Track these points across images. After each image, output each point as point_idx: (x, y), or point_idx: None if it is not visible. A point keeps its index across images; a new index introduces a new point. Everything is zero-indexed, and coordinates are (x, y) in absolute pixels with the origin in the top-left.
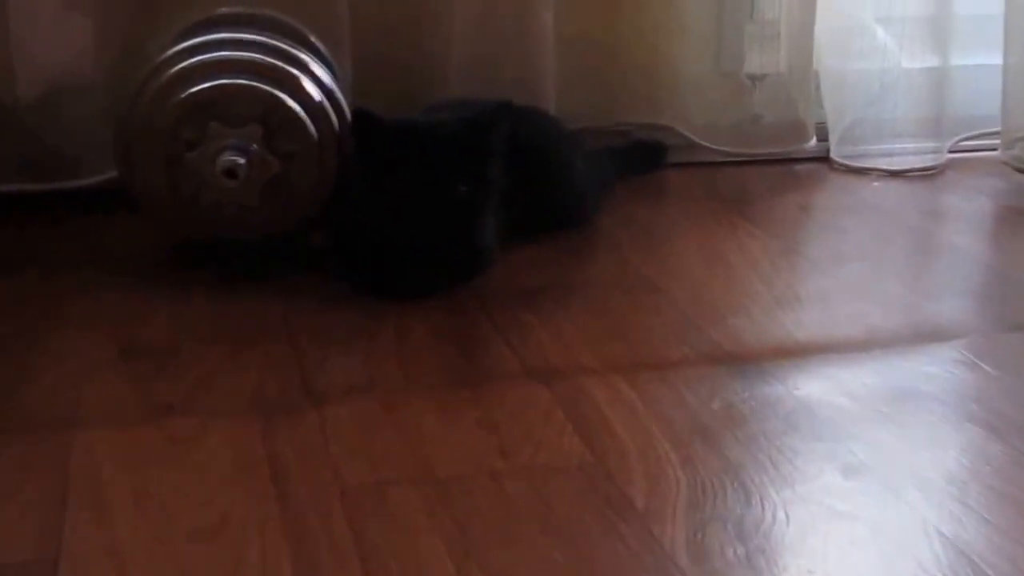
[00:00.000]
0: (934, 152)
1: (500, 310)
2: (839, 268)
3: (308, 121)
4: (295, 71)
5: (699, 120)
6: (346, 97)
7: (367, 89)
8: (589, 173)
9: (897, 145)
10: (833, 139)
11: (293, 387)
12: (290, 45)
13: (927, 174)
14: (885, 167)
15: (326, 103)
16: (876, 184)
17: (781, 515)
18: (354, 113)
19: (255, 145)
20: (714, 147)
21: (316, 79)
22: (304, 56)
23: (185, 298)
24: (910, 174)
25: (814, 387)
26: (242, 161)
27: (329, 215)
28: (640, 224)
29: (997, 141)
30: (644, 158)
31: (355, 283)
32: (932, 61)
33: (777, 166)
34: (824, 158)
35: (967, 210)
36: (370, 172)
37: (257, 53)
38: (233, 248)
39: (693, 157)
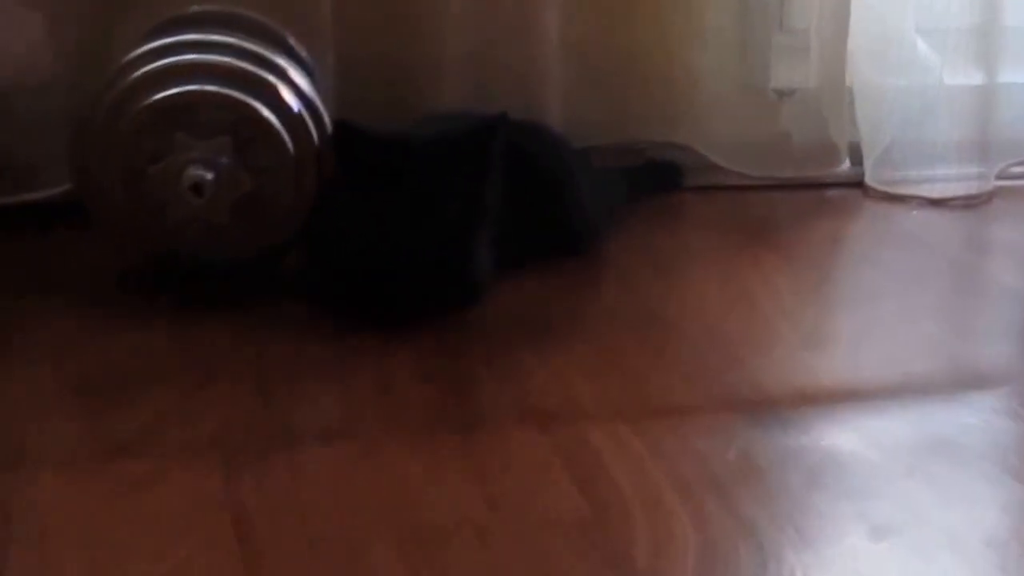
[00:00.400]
0: (979, 178)
1: (493, 346)
2: (872, 306)
3: (285, 133)
4: (271, 77)
5: (720, 139)
6: (327, 107)
7: (351, 99)
8: (596, 195)
9: (939, 170)
10: (868, 162)
11: (261, 428)
12: (267, 49)
13: (971, 203)
14: (925, 194)
15: (305, 113)
16: (915, 213)
17: None
18: (336, 124)
19: (225, 159)
20: (736, 169)
21: (294, 87)
22: (282, 61)
23: (144, 326)
24: (953, 202)
25: (841, 438)
26: (210, 176)
27: (306, 237)
28: (652, 253)
29: None
30: (658, 180)
31: (332, 311)
32: (978, 78)
33: (806, 191)
34: (858, 183)
35: (1015, 243)
36: (352, 190)
37: (230, 57)
38: (199, 272)
39: (713, 180)
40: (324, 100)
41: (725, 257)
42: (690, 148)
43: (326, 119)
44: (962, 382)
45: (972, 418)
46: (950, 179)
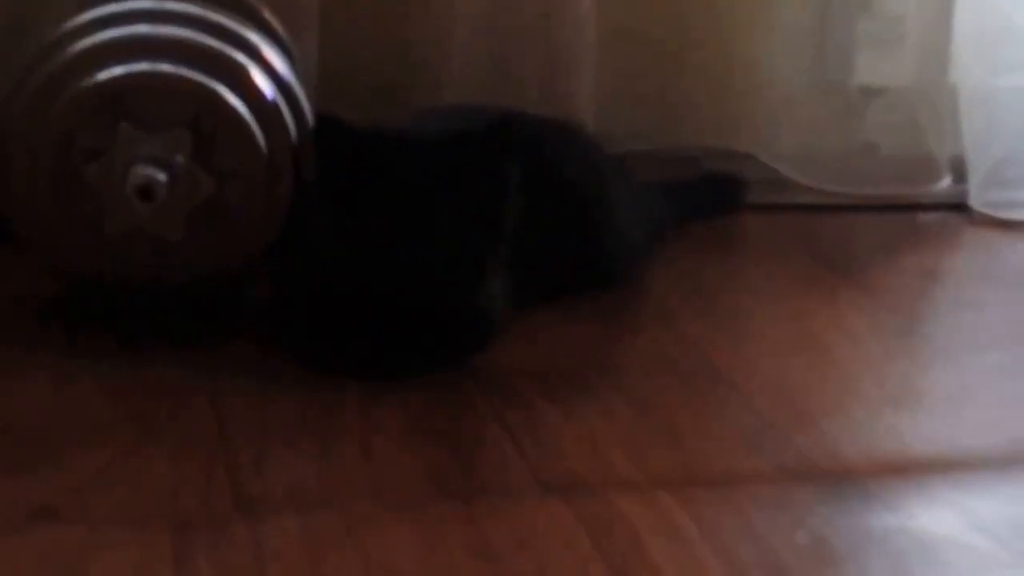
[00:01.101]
0: None
1: (507, 397)
2: (974, 357)
3: (255, 127)
4: (241, 58)
5: (790, 147)
6: (308, 97)
7: (337, 87)
8: (636, 214)
9: None
10: (974, 180)
11: (218, 492)
12: (236, 22)
13: None
14: None
15: (281, 103)
16: None
17: None
18: (318, 120)
19: (180, 157)
20: (809, 184)
21: (269, 70)
22: (254, 38)
23: (77, 364)
24: None
25: (935, 517)
26: (162, 178)
27: (277, 258)
28: (703, 287)
29: None
30: (715, 197)
31: (307, 354)
32: None
33: (895, 214)
34: (961, 205)
35: None
36: (336, 202)
37: (190, 30)
38: (144, 301)
39: (780, 197)
40: (305, 88)
41: (793, 293)
42: (752, 158)
43: (307, 111)
44: None
45: None
46: None
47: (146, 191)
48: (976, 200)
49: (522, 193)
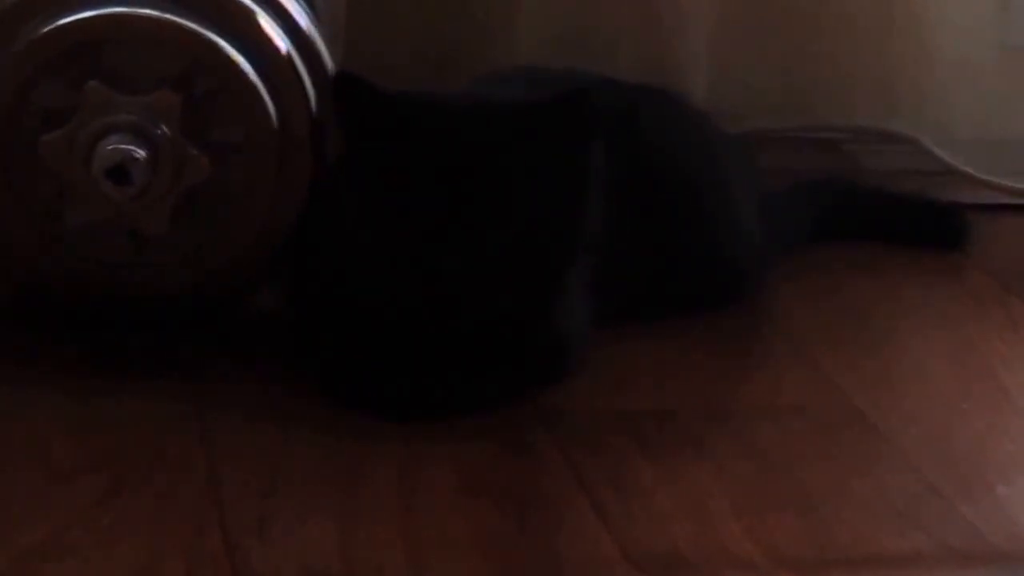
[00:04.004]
0: None
1: (589, 447)
2: None
3: (263, 89)
4: (247, 0)
5: (963, 130)
6: (333, 54)
7: (371, 45)
8: (765, 215)
9: None
10: None
11: (212, 565)
12: None
13: None
14: None
15: (297, 59)
16: None
17: None
18: (339, 79)
19: (165, 126)
20: (987, 179)
21: (282, 16)
22: None
23: (36, 390)
24: None
25: None
26: (141, 154)
27: (291, 259)
28: (846, 309)
29: None
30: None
31: (329, 386)
32: None
33: None
34: None
35: None
36: (364, 188)
37: None
38: (119, 308)
39: (948, 193)
40: (329, 43)
41: (963, 320)
42: (913, 142)
43: (329, 70)
44: None
45: None
46: None
47: (120, 171)
48: None
49: (609, 180)
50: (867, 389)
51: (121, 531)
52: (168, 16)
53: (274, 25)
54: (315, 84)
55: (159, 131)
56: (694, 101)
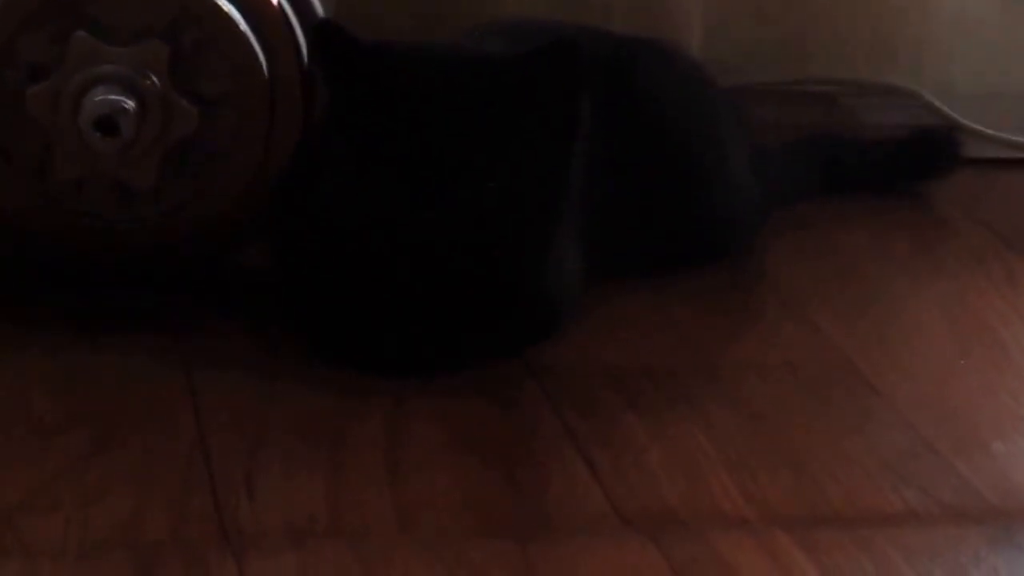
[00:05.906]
0: None
1: (579, 404)
2: None
3: (253, 40)
4: None
5: (963, 83)
6: (325, 6)
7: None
8: (758, 168)
9: None
10: None
11: (197, 521)
12: None
13: None
14: None
15: (289, 11)
16: None
17: None
18: (319, 29)
19: (154, 78)
20: (988, 132)
21: None
22: None
23: (19, 349)
24: None
25: None
26: (129, 105)
27: (278, 214)
28: (839, 264)
29: None
30: (906, 159)
31: (316, 342)
32: None
33: None
34: None
35: None
36: (346, 139)
37: None
38: (105, 264)
39: None
40: None
41: (960, 275)
42: (913, 94)
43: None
44: None
45: None
46: None
47: (108, 123)
48: None
49: (600, 133)
50: (861, 345)
51: (107, 486)
52: None
53: None
54: (307, 36)
55: (147, 83)
56: (689, 55)
